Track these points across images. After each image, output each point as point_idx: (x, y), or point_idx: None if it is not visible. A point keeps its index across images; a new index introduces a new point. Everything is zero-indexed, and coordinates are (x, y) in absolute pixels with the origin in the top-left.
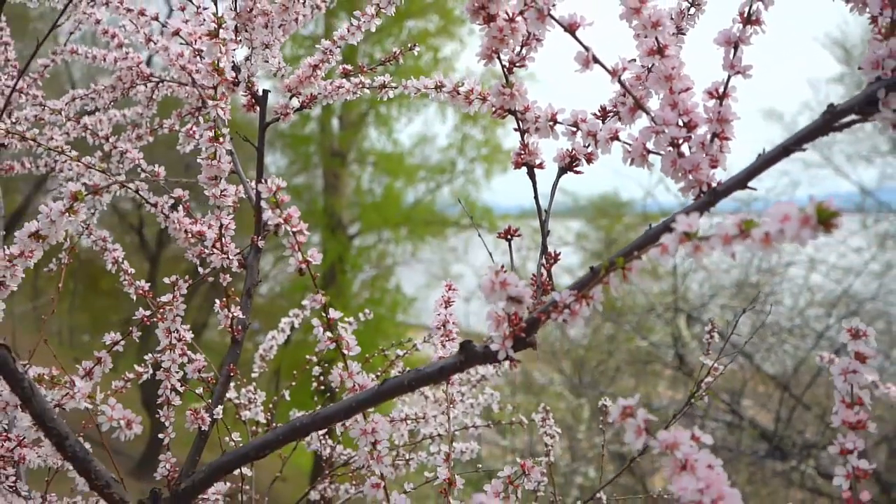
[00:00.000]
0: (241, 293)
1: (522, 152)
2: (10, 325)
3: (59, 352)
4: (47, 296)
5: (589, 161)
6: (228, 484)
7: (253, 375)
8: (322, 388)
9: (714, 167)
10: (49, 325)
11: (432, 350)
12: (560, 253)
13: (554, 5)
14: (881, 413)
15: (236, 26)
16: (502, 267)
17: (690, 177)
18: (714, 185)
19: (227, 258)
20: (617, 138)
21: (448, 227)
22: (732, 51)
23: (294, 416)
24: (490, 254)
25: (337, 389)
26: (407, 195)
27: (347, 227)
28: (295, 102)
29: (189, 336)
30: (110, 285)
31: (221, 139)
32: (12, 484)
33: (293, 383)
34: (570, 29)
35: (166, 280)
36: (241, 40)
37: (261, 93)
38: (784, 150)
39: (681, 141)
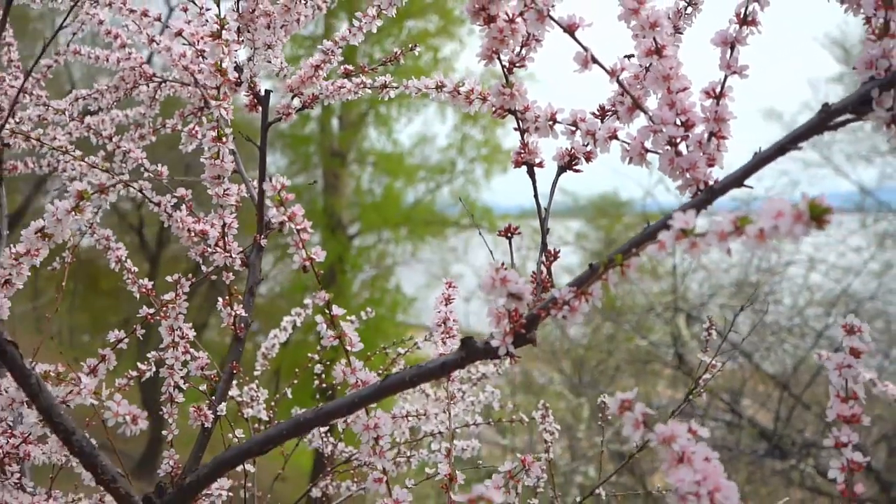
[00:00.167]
0: (244, 291)
1: (522, 151)
2: (11, 325)
3: (60, 352)
4: (47, 296)
5: (588, 160)
6: (231, 481)
7: (255, 373)
8: (323, 385)
9: (711, 165)
10: (49, 326)
11: (433, 349)
12: (559, 250)
13: (553, 6)
14: (881, 412)
15: (238, 27)
16: (503, 264)
17: (688, 175)
18: (711, 183)
19: (230, 256)
20: (615, 137)
21: (448, 227)
22: (729, 51)
23: (297, 413)
24: (491, 251)
25: (339, 388)
26: (407, 195)
27: (347, 227)
28: (297, 102)
29: (192, 334)
30: (110, 285)
31: (224, 139)
32: (17, 481)
33: (295, 381)
34: (570, 30)
35: (169, 279)
36: (243, 41)
37: (263, 93)
38: (780, 149)
39: (678, 140)
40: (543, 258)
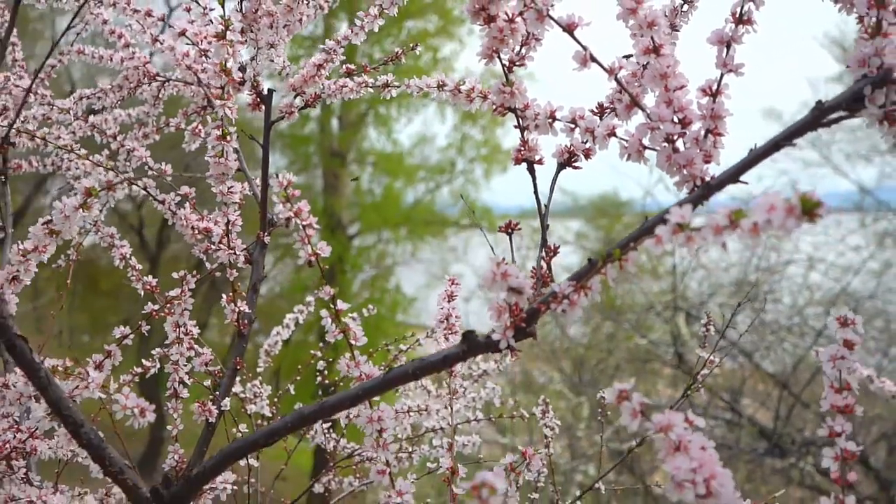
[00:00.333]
0: (248, 288)
1: (522, 148)
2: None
3: (60, 352)
4: (47, 296)
5: (587, 156)
6: (235, 475)
7: (258, 370)
8: (325, 382)
9: (708, 162)
10: (50, 326)
11: (434, 347)
12: (559, 246)
13: (552, 6)
14: (880, 411)
15: (242, 27)
16: (503, 259)
17: (685, 171)
18: (708, 179)
19: (234, 253)
20: (614, 134)
21: (448, 227)
22: (725, 50)
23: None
24: (492, 247)
25: (340, 385)
26: (406, 195)
27: (347, 227)
28: (299, 101)
29: (196, 331)
30: (110, 286)
31: (228, 137)
32: (24, 475)
33: (297, 378)
34: (569, 29)
35: (175, 275)
36: (246, 41)
37: (266, 92)
38: (775, 145)
39: (676, 137)
40: (543, 253)
